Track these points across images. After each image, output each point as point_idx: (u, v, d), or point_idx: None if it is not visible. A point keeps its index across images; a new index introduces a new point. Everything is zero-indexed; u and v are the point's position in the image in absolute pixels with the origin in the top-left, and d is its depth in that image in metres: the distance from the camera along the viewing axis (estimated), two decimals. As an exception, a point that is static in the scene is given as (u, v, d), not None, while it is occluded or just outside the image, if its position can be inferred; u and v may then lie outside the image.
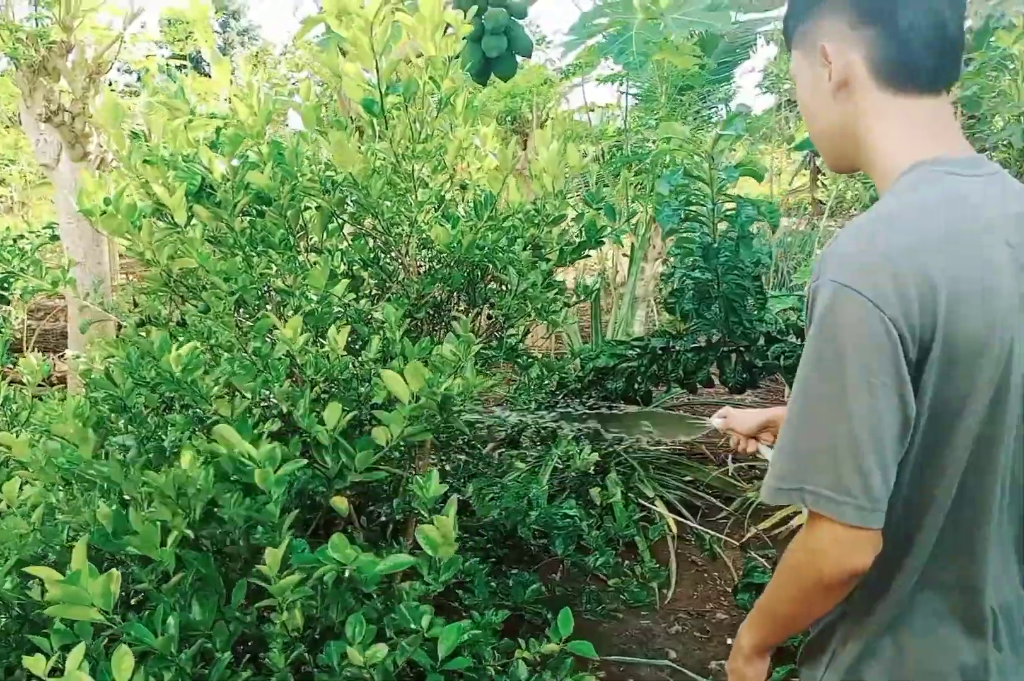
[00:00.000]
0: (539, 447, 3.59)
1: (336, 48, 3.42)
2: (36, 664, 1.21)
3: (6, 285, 5.08)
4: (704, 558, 3.66)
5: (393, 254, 1.95)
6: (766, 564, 3.40)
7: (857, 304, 0.91)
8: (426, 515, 1.64)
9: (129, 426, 1.84)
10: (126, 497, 1.65)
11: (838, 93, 1.05)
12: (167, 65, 6.69)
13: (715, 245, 2.47)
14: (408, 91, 1.65)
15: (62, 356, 4.29)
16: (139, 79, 8.65)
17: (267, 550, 1.36)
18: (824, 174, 10.60)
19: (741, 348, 3.32)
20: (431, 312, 2.11)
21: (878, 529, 0.96)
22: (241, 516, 1.46)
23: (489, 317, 2.27)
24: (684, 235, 2.54)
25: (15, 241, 5.70)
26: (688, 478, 4.35)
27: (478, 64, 3.53)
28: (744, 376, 3.39)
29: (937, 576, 1.04)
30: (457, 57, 1.80)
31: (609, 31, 2.82)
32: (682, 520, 3.80)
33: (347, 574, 1.54)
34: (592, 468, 2.83)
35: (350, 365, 1.83)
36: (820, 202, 9.93)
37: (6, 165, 8.82)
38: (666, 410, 4.91)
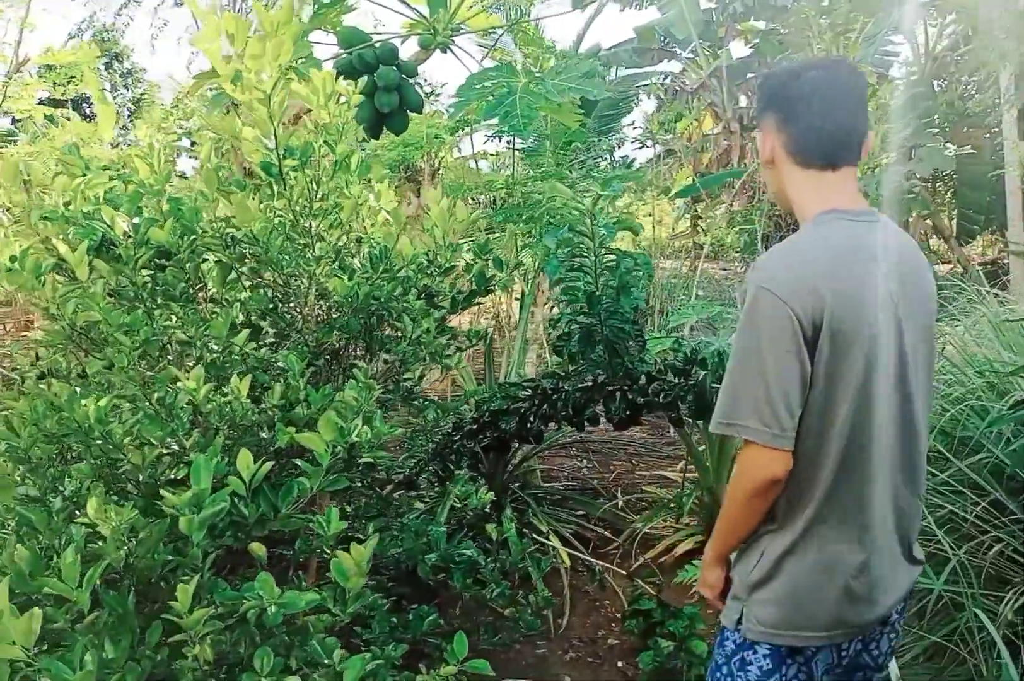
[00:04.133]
0: (436, 488, 3.68)
1: (227, 104, 3.51)
2: None
3: None
4: (596, 588, 3.81)
5: (292, 304, 2.06)
6: (652, 592, 3.58)
7: (771, 299, 1.37)
8: (328, 552, 1.73)
9: (29, 477, 1.86)
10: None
11: (771, 166, 1.55)
12: (53, 114, 6.58)
13: (598, 293, 2.68)
14: (305, 155, 1.78)
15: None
16: (14, 122, 8.42)
17: (179, 587, 1.42)
18: (703, 220, 11.21)
19: (624, 387, 3.53)
20: (328, 359, 2.21)
21: (789, 450, 1.40)
22: (162, 560, 1.53)
23: (386, 362, 2.39)
24: (570, 284, 2.74)
25: None
26: (580, 512, 4.51)
27: (371, 119, 3.68)
28: (627, 413, 3.60)
29: (839, 492, 1.44)
30: (348, 122, 1.95)
31: (494, 93, 3.02)
32: (575, 553, 3.95)
33: (251, 612, 1.62)
34: (487, 506, 2.94)
35: (252, 412, 1.91)
36: (700, 246, 10.49)
37: None
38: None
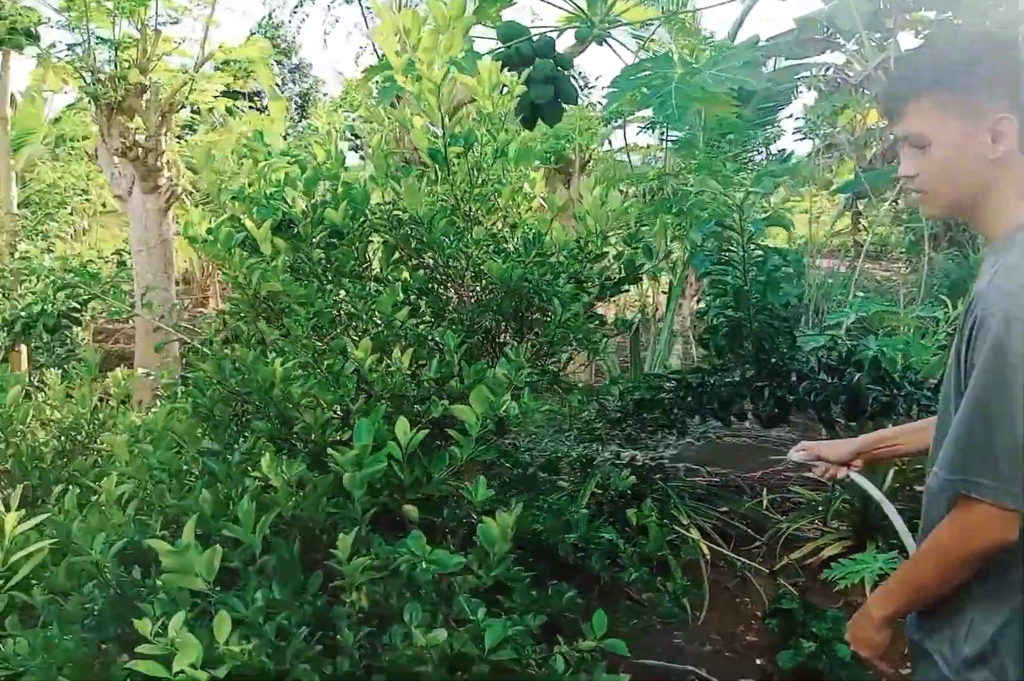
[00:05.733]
0: (578, 473, 3.75)
1: (395, 96, 3.70)
2: (144, 626, 1.41)
3: (81, 307, 5.41)
4: (736, 584, 3.77)
5: (448, 284, 2.17)
6: (795, 592, 3.51)
7: None
8: (476, 518, 1.83)
9: (212, 433, 2.07)
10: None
11: (988, 163, 1.22)
12: (234, 106, 7.10)
13: (746, 288, 2.67)
14: (469, 142, 1.88)
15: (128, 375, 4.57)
16: (194, 112, 9.11)
17: (340, 537, 1.55)
18: (866, 217, 10.71)
19: (773, 384, 3.47)
20: (482, 338, 2.31)
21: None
22: (325, 512, 1.67)
23: (534, 345, 2.47)
24: (718, 278, 2.74)
25: (84, 266, 6.06)
26: (723, 508, 4.46)
27: (526, 111, 3.78)
28: (775, 410, 3.54)
29: None
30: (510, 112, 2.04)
31: (650, 84, 3.04)
32: (716, 547, 3.92)
33: (404, 567, 1.74)
34: (629, 493, 2.98)
35: (411, 384, 2.04)
36: (860, 244, 10.03)
37: (78, 195, 9.34)
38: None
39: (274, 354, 1.84)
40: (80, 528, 1.83)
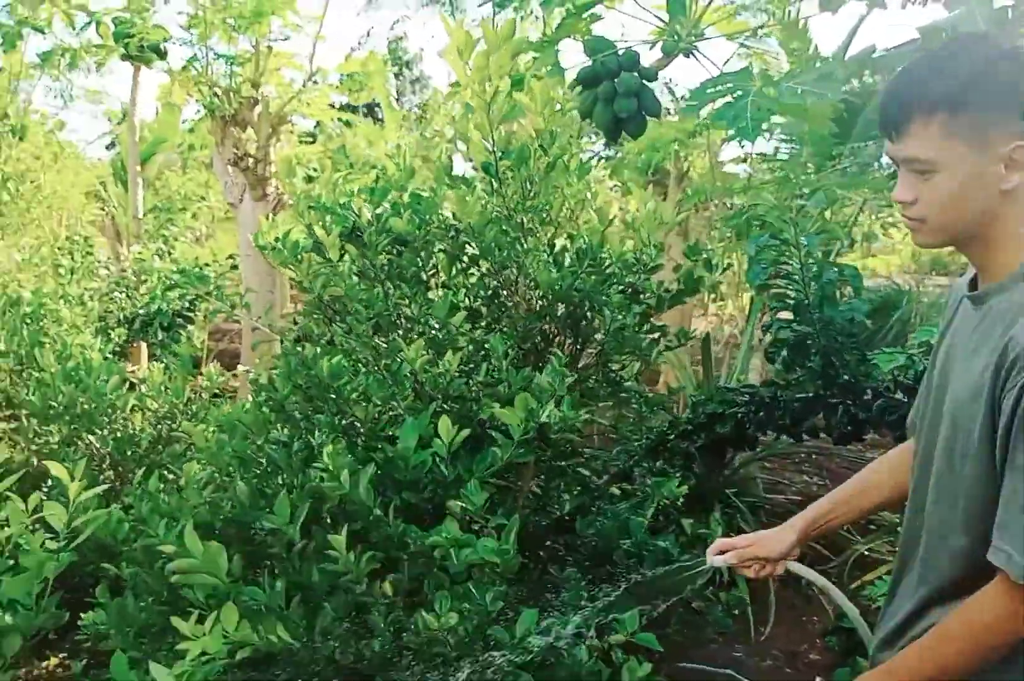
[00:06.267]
0: (648, 483, 3.78)
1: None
2: (181, 624, 1.56)
3: (192, 307, 5.81)
4: (803, 602, 3.72)
5: (506, 292, 2.28)
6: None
7: None
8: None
9: (282, 424, 2.24)
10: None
11: (1005, 187, 1.11)
12: (340, 119, 7.44)
13: (807, 302, 2.66)
14: (520, 157, 1.99)
15: (235, 374, 4.88)
16: (316, 126, 9.59)
17: (393, 522, 1.68)
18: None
19: (848, 401, 3.42)
20: (537, 345, 2.41)
21: None
22: (372, 502, 1.81)
23: (587, 354, 2.55)
24: (778, 291, 2.74)
25: (201, 269, 6.49)
26: (799, 527, 4.40)
27: (609, 123, 3.85)
28: (848, 428, 3.48)
29: None
30: (579, 132, 2.13)
31: (728, 98, 3.06)
32: (785, 565, 3.88)
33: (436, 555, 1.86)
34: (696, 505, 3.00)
35: (462, 385, 2.16)
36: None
37: (198, 201, 9.98)
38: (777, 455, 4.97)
39: (333, 352, 1.99)
40: (149, 510, 2.02)
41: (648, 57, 4.01)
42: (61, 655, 2.93)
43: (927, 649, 1.18)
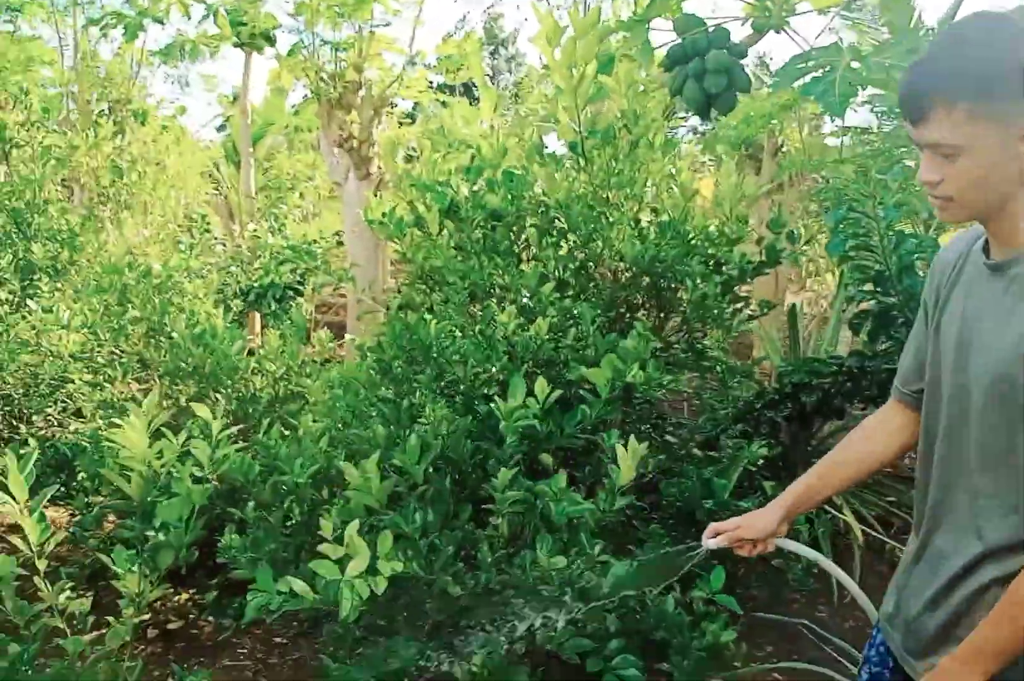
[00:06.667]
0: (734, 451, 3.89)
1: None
2: (327, 528, 1.81)
3: (301, 280, 6.18)
4: (888, 569, 3.78)
5: (592, 264, 2.44)
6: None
7: None
8: (606, 459, 2.12)
9: (388, 383, 2.48)
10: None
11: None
12: (438, 100, 7.66)
13: (887, 273, 2.71)
14: (606, 136, 2.14)
15: (342, 343, 5.21)
16: (414, 107, 9.88)
17: (501, 472, 1.89)
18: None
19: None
20: (622, 313, 2.56)
21: None
22: (469, 451, 2.02)
23: (670, 322, 2.69)
24: (859, 263, 2.79)
25: (309, 245, 6.86)
26: (890, 498, 4.43)
27: (700, 100, 3.93)
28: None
29: None
30: (667, 110, 2.26)
31: (816, 73, 3.11)
32: (874, 534, 3.94)
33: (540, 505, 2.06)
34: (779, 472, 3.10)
35: (551, 349, 2.34)
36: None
37: (305, 181, 10.44)
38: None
39: (434, 318, 2.19)
40: (284, 452, 2.29)
41: (740, 33, 4.05)
42: (192, 590, 3.29)
43: (1003, 625, 1.18)
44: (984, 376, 1.19)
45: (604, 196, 2.23)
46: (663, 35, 4.23)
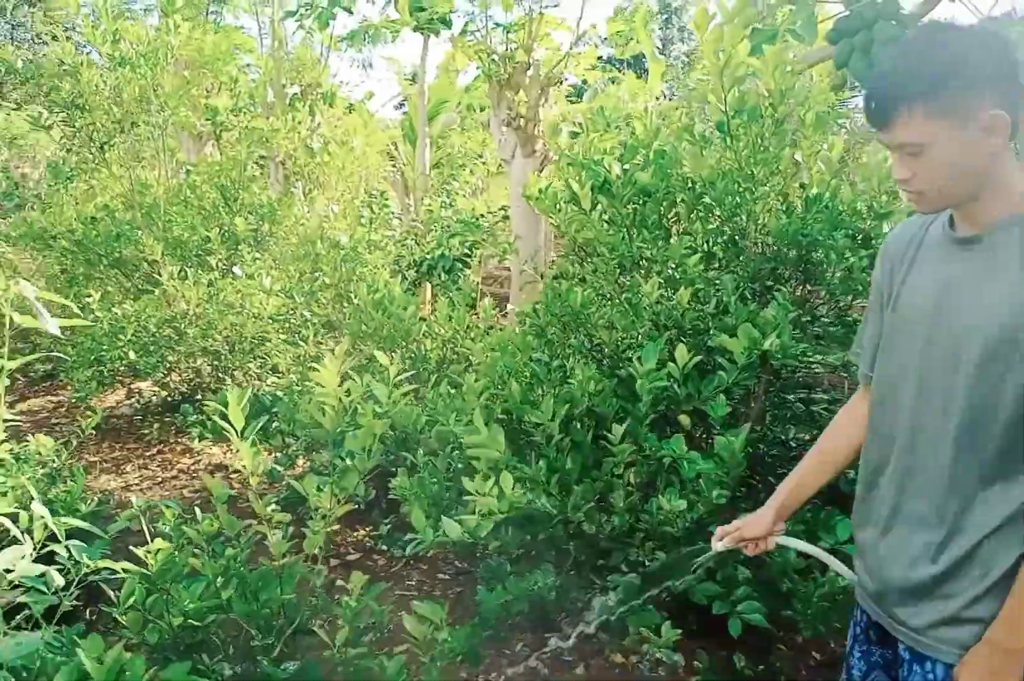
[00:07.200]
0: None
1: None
2: (470, 485, 2.08)
3: (469, 252, 6.56)
4: None
5: (738, 237, 2.56)
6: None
7: None
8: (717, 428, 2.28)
9: (544, 348, 2.72)
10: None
11: (989, 151, 1.22)
12: (614, 75, 7.78)
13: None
14: (752, 115, 2.25)
15: (504, 314, 5.52)
16: (584, 83, 10.01)
17: (624, 429, 2.10)
18: None
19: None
20: (767, 284, 2.67)
21: None
22: (615, 409, 2.24)
23: (819, 294, 2.76)
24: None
25: (478, 219, 7.23)
26: None
27: (867, 72, 3.88)
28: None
29: None
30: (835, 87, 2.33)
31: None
32: None
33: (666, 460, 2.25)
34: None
35: (694, 318, 2.49)
36: None
37: (475, 158, 10.86)
38: None
39: (584, 287, 2.41)
40: (444, 406, 2.60)
41: (909, 3, 3.96)
42: (368, 528, 3.71)
43: (1021, 603, 1.22)
44: (970, 348, 1.25)
45: (749, 172, 2.35)
46: (830, 7, 4.18)
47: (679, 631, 2.39)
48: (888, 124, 1.24)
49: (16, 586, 1.83)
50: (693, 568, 1.79)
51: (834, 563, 1.64)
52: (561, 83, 6.02)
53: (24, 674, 1.65)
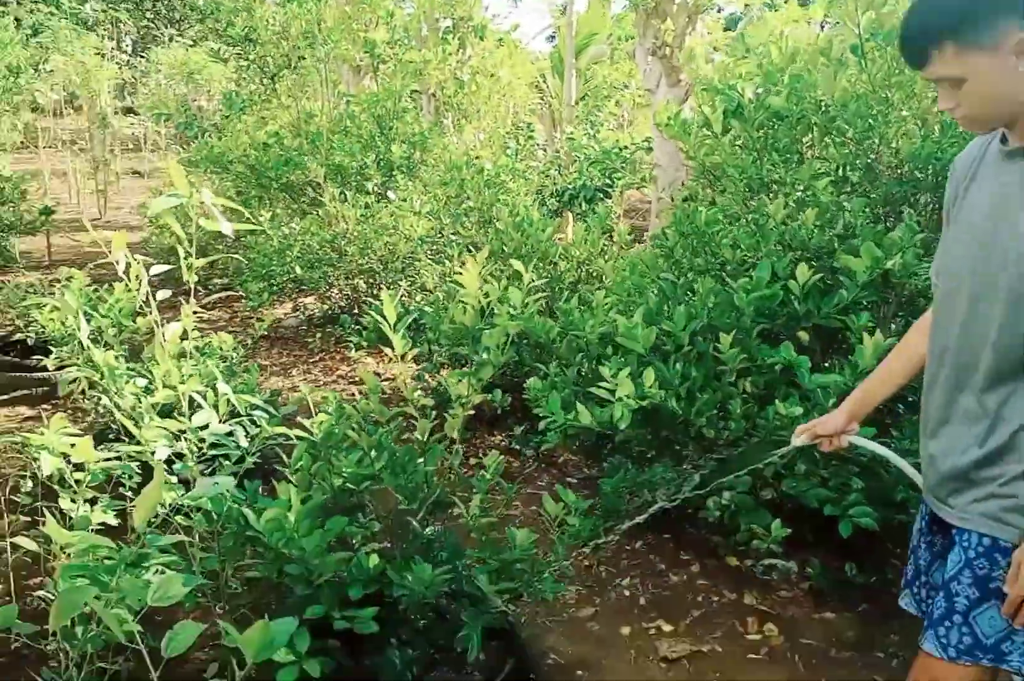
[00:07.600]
0: None
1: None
2: (605, 371, 2.30)
3: (610, 182, 6.67)
4: None
5: (870, 160, 2.61)
6: None
7: None
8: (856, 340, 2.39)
9: (672, 267, 2.89)
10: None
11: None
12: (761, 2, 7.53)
13: None
14: (887, 39, 2.28)
15: (641, 241, 5.63)
16: (747, 6, 9.68)
17: (729, 338, 2.26)
18: None
19: None
20: (898, 207, 2.71)
21: None
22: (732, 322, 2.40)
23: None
24: None
25: (621, 150, 7.29)
26: None
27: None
28: None
29: None
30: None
31: None
32: None
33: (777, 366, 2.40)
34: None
35: (817, 237, 2.58)
36: None
37: (621, 89, 10.78)
38: None
39: (711, 208, 2.54)
40: (577, 317, 2.82)
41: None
42: (505, 432, 4.06)
43: None
44: (1016, 257, 1.34)
45: (884, 95, 2.38)
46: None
47: (788, 530, 2.55)
48: (924, 62, 1.33)
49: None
50: (775, 456, 1.98)
51: (900, 463, 1.74)
52: (711, 10, 5.91)
53: (215, 517, 2.04)
